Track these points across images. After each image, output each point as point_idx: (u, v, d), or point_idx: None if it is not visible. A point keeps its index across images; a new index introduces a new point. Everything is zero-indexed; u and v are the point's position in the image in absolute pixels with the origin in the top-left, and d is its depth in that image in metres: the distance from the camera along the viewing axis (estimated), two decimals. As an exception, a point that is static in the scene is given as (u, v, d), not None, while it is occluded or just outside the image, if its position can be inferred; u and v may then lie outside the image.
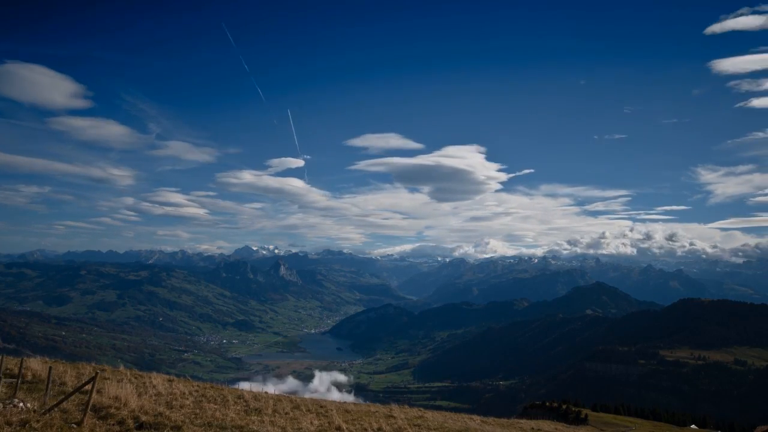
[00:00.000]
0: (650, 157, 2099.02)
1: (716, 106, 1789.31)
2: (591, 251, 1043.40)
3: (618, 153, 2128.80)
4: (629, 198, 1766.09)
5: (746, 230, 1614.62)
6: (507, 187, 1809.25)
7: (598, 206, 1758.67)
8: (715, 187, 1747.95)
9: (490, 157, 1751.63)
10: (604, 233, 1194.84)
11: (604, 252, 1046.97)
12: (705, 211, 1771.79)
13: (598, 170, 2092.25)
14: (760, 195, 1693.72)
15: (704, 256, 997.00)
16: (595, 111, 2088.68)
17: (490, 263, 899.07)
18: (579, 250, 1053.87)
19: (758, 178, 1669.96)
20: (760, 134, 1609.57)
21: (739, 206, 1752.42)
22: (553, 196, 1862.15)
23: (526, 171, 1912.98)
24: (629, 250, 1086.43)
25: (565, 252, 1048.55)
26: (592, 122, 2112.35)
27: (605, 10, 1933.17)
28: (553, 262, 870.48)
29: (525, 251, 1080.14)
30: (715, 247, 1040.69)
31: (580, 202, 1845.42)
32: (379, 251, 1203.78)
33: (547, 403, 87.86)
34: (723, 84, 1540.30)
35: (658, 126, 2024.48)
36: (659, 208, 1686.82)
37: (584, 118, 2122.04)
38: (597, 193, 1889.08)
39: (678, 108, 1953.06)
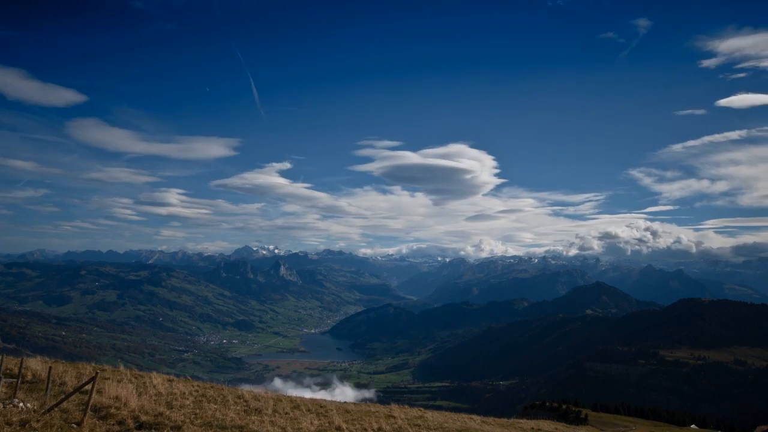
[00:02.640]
0: (602, 163, 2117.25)
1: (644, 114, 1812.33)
2: (590, 251, 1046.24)
3: (577, 157, 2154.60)
4: (595, 202, 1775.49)
5: (718, 231, 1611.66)
6: (498, 189, 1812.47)
7: (569, 210, 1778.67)
8: (660, 188, 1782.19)
9: (484, 157, 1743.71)
10: (598, 234, 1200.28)
11: (601, 252, 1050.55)
12: (661, 214, 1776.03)
13: (561, 175, 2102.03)
14: (705, 200, 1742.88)
15: (702, 253, 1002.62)
16: (555, 116, 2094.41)
17: (490, 263, 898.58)
18: (579, 251, 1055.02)
19: (695, 184, 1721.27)
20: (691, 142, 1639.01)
21: (687, 210, 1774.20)
22: (522, 198, 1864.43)
23: (512, 174, 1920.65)
24: (629, 248, 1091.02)
25: (565, 252, 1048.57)
26: (552, 127, 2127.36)
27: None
28: (553, 262, 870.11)
29: (525, 251, 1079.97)
30: (710, 246, 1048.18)
31: (552, 204, 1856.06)
32: (379, 251, 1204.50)
33: (547, 403, 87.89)
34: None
35: (604, 131, 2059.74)
36: (634, 211, 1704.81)
37: (548, 123, 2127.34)
38: (561, 196, 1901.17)
39: (612, 115, 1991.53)
